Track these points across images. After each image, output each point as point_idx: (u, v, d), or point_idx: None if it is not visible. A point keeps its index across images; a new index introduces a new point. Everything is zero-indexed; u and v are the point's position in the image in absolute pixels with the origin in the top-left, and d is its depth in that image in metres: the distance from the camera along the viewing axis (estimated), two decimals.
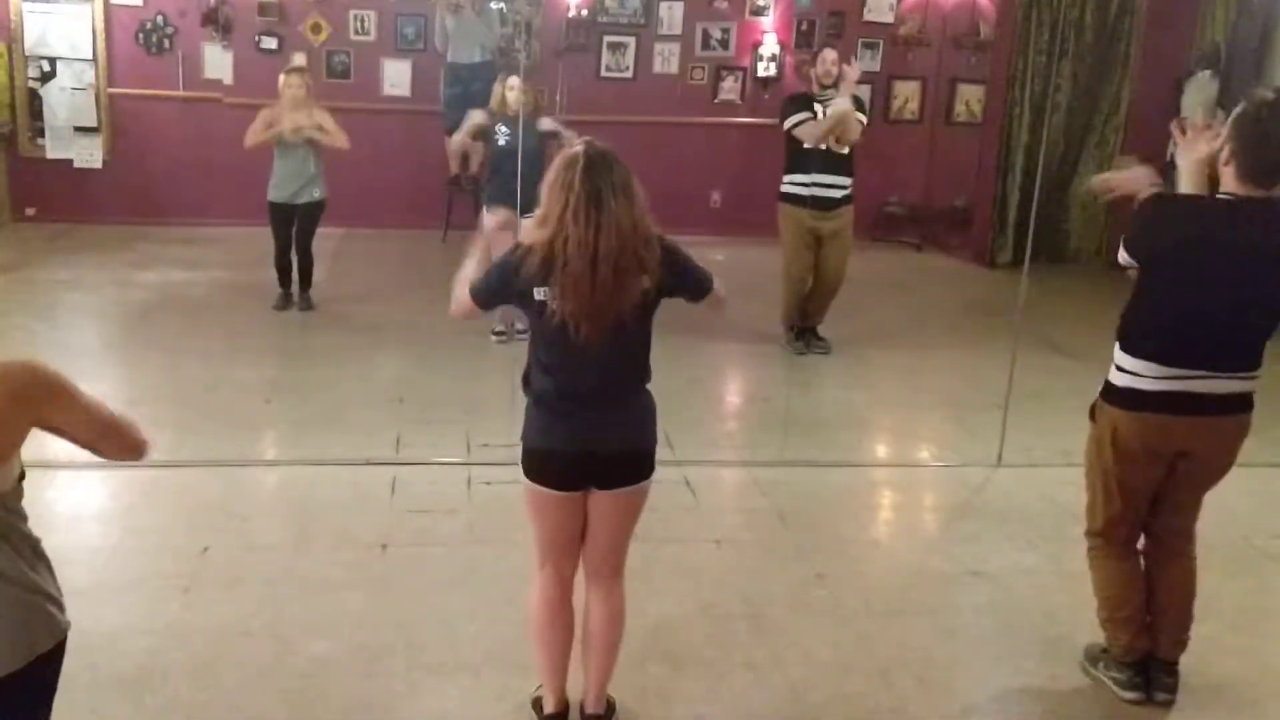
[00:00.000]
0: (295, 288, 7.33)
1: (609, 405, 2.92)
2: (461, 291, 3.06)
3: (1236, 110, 3.10)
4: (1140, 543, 3.48)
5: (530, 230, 2.93)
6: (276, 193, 7.16)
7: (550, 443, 2.93)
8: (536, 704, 3.20)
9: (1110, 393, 3.32)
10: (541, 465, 2.94)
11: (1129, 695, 3.41)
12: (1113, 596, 3.45)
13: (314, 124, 7.03)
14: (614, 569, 3.09)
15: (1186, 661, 3.46)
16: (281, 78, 7.15)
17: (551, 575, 3.08)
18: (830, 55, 6.83)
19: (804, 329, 7.01)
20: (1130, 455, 3.29)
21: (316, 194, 7.19)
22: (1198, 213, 3.14)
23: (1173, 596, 3.43)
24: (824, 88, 6.72)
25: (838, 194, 6.73)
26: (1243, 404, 3.22)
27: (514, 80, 6.56)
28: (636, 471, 2.98)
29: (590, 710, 3.14)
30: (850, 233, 6.97)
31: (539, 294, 2.81)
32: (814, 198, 6.72)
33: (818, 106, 6.66)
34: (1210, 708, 3.43)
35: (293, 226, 7.21)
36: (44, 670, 2.07)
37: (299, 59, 9.42)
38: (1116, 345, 3.30)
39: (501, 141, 6.46)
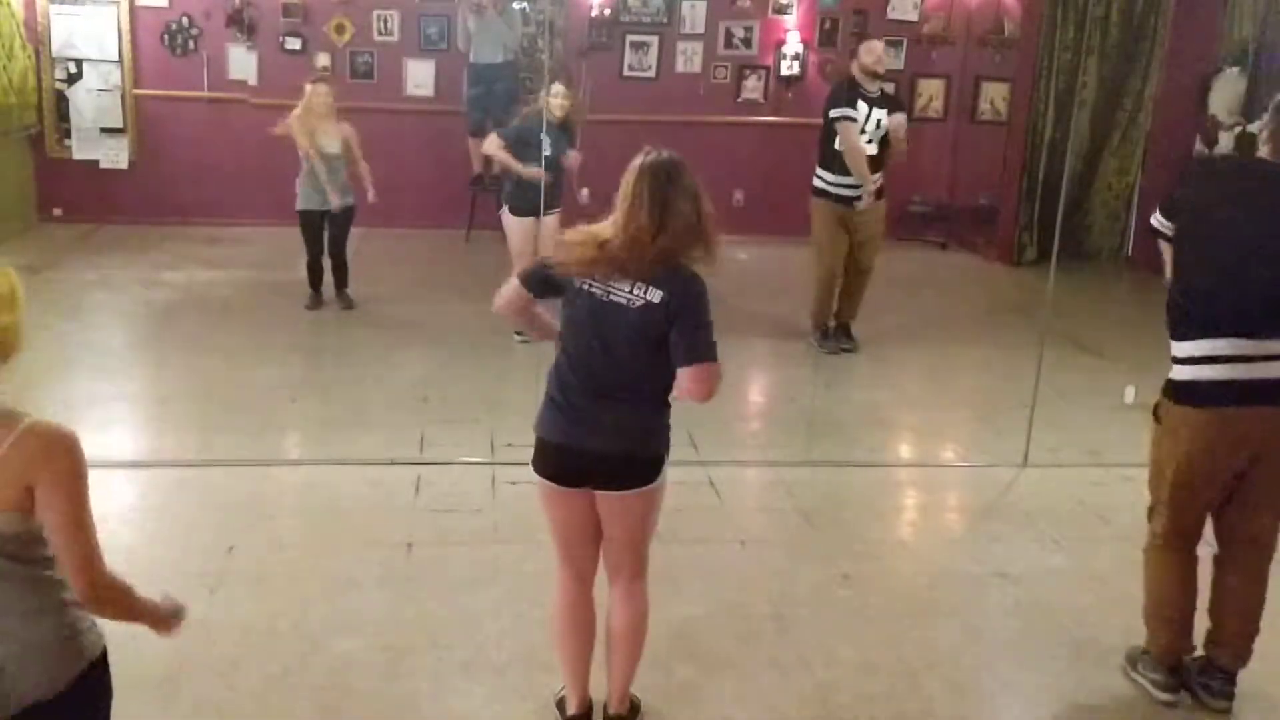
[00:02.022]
0: (331, 290, 7.40)
1: (608, 406, 2.90)
2: (510, 283, 3.04)
3: (1277, 98, 3.19)
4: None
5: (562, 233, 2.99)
6: (306, 201, 7.21)
7: (548, 434, 2.96)
8: (560, 704, 3.21)
9: (1171, 389, 3.23)
10: (541, 456, 2.99)
11: (1164, 697, 3.37)
12: (1161, 595, 3.37)
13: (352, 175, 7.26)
14: (633, 570, 3.08)
15: (1249, 676, 3.39)
16: (309, 87, 7.19)
17: (570, 574, 3.10)
18: (878, 45, 6.77)
19: (837, 326, 6.98)
20: (1195, 454, 3.18)
21: (348, 199, 7.24)
22: (1240, 170, 3.27)
23: (1236, 605, 3.32)
24: (874, 77, 6.61)
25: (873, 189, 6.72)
26: None
27: (558, 88, 6.49)
28: (632, 476, 2.93)
29: (613, 711, 3.16)
30: (882, 226, 6.98)
31: (579, 283, 2.87)
32: (846, 198, 6.69)
33: (863, 106, 6.57)
34: None
35: (323, 227, 7.25)
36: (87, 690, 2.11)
37: (323, 59, 9.47)
38: (1169, 337, 3.23)
39: (547, 152, 6.28)
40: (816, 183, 6.79)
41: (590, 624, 3.12)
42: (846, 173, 6.62)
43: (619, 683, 3.13)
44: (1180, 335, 3.20)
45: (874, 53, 6.67)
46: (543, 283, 2.98)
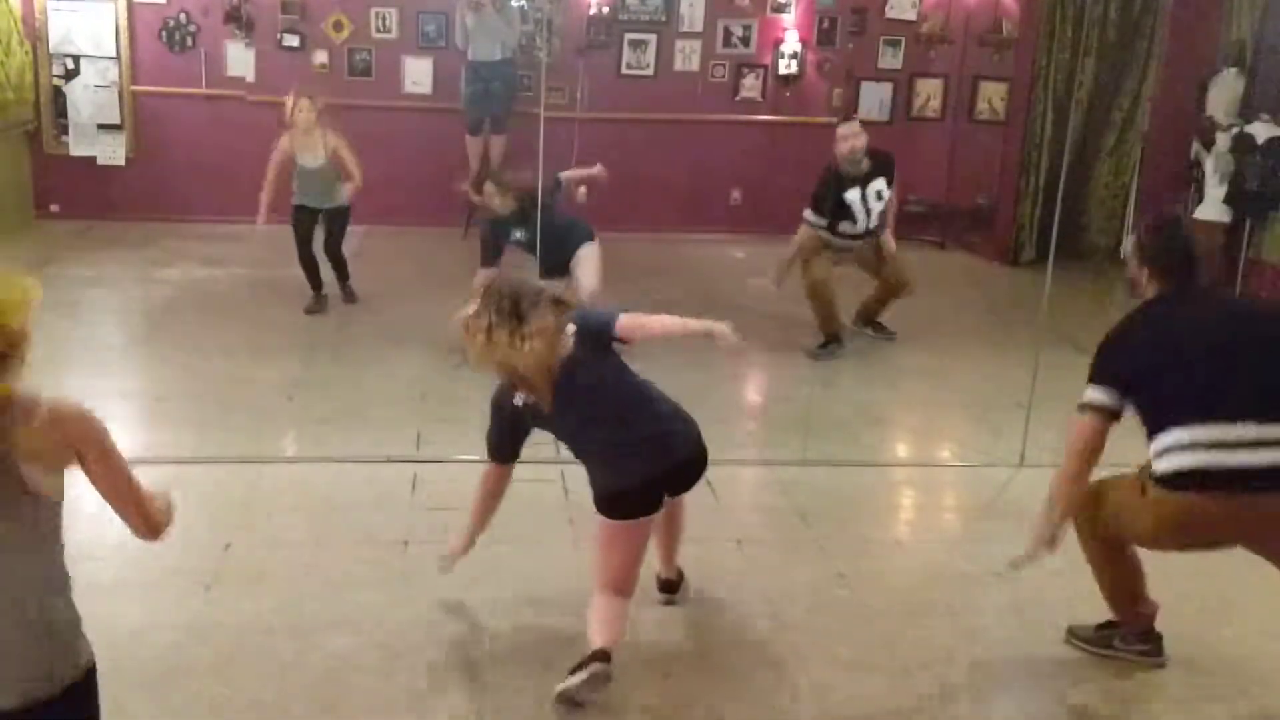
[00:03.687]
0: (334, 286, 7.43)
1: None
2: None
3: (1132, 241, 3.48)
4: None
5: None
6: (302, 197, 7.25)
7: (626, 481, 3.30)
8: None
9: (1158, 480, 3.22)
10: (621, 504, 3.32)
11: (1157, 661, 3.54)
12: (1120, 576, 3.52)
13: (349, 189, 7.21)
14: None
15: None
16: (289, 100, 7.12)
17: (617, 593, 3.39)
18: (854, 128, 6.61)
19: (867, 323, 7.09)
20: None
21: (341, 199, 7.24)
22: (1157, 318, 3.34)
23: None
24: (853, 163, 6.55)
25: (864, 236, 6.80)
26: None
27: (488, 187, 6.49)
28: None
29: (665, 576, 3.77)
30: (889, 240, 6.97)
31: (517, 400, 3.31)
32: (834, 245, 6.75)
33: (853, 193, 6.54)
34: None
35: (314, 224, 7.26)
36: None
37: (320, 56, 9.46)
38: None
39: (520, 236, 6.27)
40: (809, 216, 6.72)
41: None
42: (847, 239, 6.71)
43: (670, 557, 3.76)
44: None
45: (848, 141, 6.51)
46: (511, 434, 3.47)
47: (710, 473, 4.85)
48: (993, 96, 10.31)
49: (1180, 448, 3.11)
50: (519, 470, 4.14)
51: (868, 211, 6.62)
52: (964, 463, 5.36)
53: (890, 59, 10.23)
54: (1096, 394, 3.28)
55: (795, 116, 10.06)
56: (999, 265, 9.51)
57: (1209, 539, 3.24)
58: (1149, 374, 3.20)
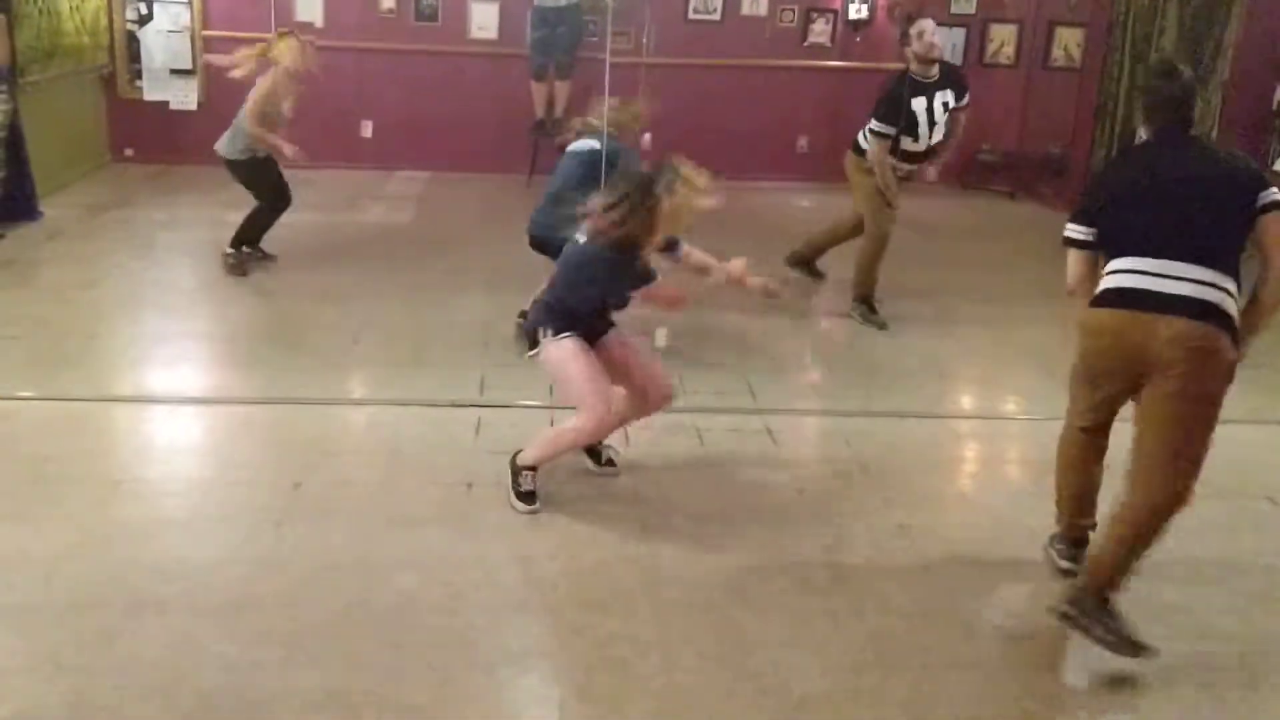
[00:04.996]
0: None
1: None
2: None
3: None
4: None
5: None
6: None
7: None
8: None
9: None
10: None
11: (1063, 565, 3.78)
12: (1061, 475, 3.91)
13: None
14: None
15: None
16: (292, 42, 6.72)
17: None
18: (928, 25, 6.13)
19: (803, 261, 6.92)
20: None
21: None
22: (1134, 158, 3.79)
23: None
24: (928, 63, 6.15)
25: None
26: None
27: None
28: None
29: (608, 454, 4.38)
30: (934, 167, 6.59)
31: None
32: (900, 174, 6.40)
33: (920, 101, 6.14)
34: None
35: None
36: None
37: (388, 1, 9.47)
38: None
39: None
40: (876, 127, 6.26)
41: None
42: (904, 160, 6.32)
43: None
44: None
45: (924, 37, 6.09)
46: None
47: (771, 421, 4.92)
48: (1069, 43, 10.07)
49: (1114, 273, 3.46)
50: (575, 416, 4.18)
51: (931, 124, 6.23)
52: (1029, 415, 5.30)
53: (964, 3, 10.02)
54: (1073, 230, 3.68)
55: (865, 62, 9.89)
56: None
57: (1112, 362, 3.52)
58: (1112, 208, 3.53)
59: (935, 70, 6.22)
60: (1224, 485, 4.46)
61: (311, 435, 4.63)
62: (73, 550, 3.65)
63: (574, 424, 4.01)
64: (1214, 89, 9.33)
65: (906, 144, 6.27)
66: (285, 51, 6.65)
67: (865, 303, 6.51)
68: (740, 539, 3.92)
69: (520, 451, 4.11)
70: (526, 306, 5.01)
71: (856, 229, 6.60)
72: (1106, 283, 3.49)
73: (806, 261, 6.97)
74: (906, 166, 6.41)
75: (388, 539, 3.82)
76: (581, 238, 3.97)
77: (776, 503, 4.23)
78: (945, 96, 6.24)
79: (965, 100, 6.37)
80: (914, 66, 6.21)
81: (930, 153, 6.40)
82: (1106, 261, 3.53)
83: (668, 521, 4.03)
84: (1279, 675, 3.35)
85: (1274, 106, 8.81)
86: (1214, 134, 9.40)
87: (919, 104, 6.18)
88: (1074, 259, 3.70)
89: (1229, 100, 9.30)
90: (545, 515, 4.01)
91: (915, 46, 6.14)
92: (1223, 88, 9.30)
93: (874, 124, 6.26)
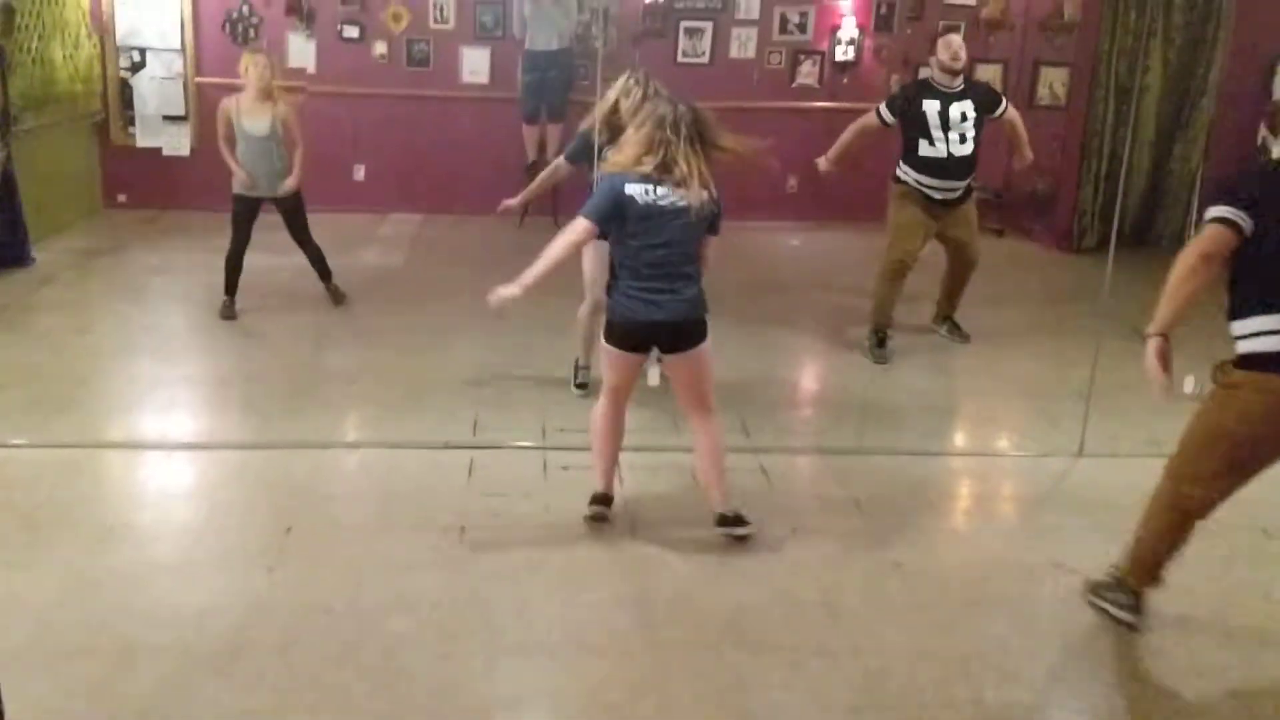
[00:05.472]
0: (323, 290, 7.11)
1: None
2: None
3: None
4: None
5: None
6: (244, 185, 6.76)
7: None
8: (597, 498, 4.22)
9: (1241, 360, 3.34)
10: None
11: (1128, 618, 3.65)
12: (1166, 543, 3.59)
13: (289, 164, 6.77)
14: (706, 406, 4.16)
15: None
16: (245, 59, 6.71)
17: (615, 401, 4.20)
18: (955, 39, 6.33)
19: (944, 319, 6.91)
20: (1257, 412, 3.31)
21: (286, 185, 6.76)
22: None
23: None
24: (951, 74, 6.29)
25: (960, 192, 6.49)
26: None
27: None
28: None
29: (720, 510, 4.14)
30: (975, 216, 6.71)
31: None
32: (937, 200, 6.44)
33: (932, 103, 6.27)
34: None
35: (255, 218, 6.84)
36: None
37: (380, 47, 9.55)
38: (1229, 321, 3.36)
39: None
40: (902, 176, 6.48)
41: (622, 431, 4.26)
42: (928, 172, 6.36)
43: (719, 488, 4.18)
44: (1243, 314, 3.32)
45: (950, 47, 6.29)
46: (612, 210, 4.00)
47: (765, 460, 4.91)
48: (1054, 81, 10.15)
49: (1267, 333, 3.24)
50: (570, 457, 4.17)
51: (946, 129, 6.27)
52: (1022, 453, 5.31)
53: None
54: (1222, 210, 3.29)
55: (853, 103, 9.93)
56: (1058, 252, 9.37)
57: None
58: (1269, 213, 3.24)
59: (959, 82, 6.34)
60: (1218, 518, 4.45)
61: (304, 479, 4.62)
62: (64, 597, 3.63)
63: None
64: (1200, 127, 9.43)
65: (924, 148, 6.33)
66: (244, 72, 6.70)
67: (875, 333, 6.54)
68: (736, 579, 3.91)
69: None
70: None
71: (965, 258, 6.72)
72: (1263, 344, 3.27)
73: (949, 317, 6.96)
74: (935, 185, 6.41)
75: (381, 582, 3.81)
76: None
77: (771, 542, 4.22)
78: (964, 107, 6.32)
79: (1004, 106, 6.54)
80: (936, 74, 6.39)
81: (963, 165, 6.39)
82: (1238, 307, 3.35)
83: (663, 561, 4.03)
84: (1275, 710, 3.34)
85: (1258, 144, 8.89)
86: (1199, 172, 9.49)
87: (931, 106, 6.29)
88: (1212, 233, 3.31)
89: (1214, 138, 9.39)
90: (539, 556, 4.00)
91: (940, 55, 6.32)
92: (1210, 124, 9.40)
93: (878, 107, 6.54)
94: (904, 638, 3.61)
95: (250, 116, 6.70)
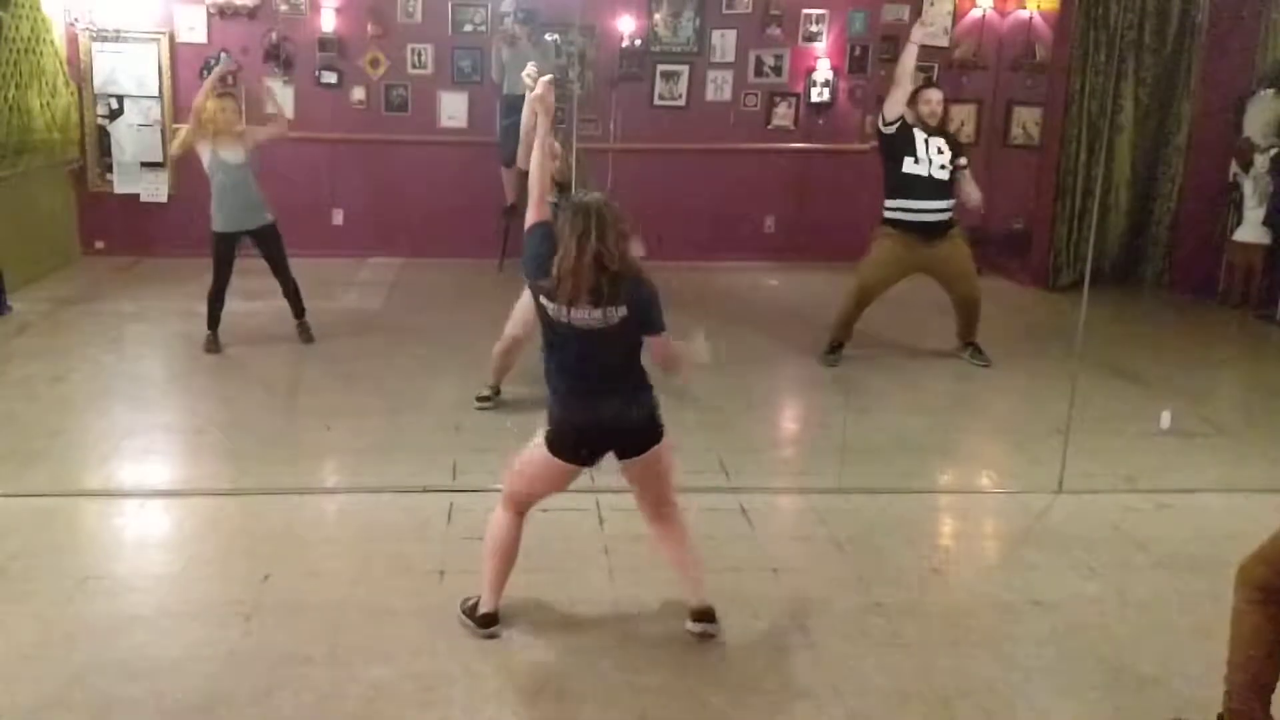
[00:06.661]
0: (295, 325, 7.24)
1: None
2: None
3: None
4: None
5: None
6: (223, 220, 6.94)
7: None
8: (471, 610, 3.79)
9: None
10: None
11: None
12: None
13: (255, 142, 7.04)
14: (667, 504, 3.84)
15: None
16: (210, 104, 6.90)
17: (516, 514, 3.84)
18: (935, 94, 6.92)
19: (965, 345, 7.20)
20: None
21: (268, 216, 6.99)
22: None
23: None
24: (929, 129, 6.81)
25: (944, 217, 6.82)
26: None
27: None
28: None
29: (698, 604, 3.79)
30: (965, 249, 7.07)
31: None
32: (921, 224, 6.77)
33: (919, 133, 6.75)
34: None
35: (235, 253, 6.99)
36: None
37: (358, 93, 9.60)
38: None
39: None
40: (890, 214, 6.84)
41: (517, 548, 3.83)
42: (920, 196, 6.72)
43: (697, 582, 3.83)
44: None
45: (929, 103, 6.82)
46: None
47: (745, 500, 4.90)
48: (1027, 121, 10.28)
49: None
50: (549, 500, 4.14)
51: (929, 153, 6.74)
52: (1001, 490, 5.32)
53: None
54: None
55: (828, 144, 10.08)
56: (1034, 290, 9.45)
57: None
58: None
59: (935, 124, 6.90)
60: (1197, 555, 4.49)
61: (282, 526, 4.58)
62: (37, 650, 3.58)
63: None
64: (1174, 165, 9.52)
65: (908, 165, 6.73)
66: (211, 119, 6.92)
67: (831, 343, 7.07)
68: (717, 621, 3.89)
69: None
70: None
71: (961, 294, 7.12)
72: None
73: (970, 343, 7.24)
74: (920, 207, 6.77)
75: (359, 631, 3.77)
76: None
77: (753, 583, 4.20)
78: (939, 142, 6.81)
79: (963, 161, 6.90)
80: (918, 121, 6.84)
81: (943, 188, 6.79)
82: None
83: (644, 605, 4.00)
84: None
85: (1230, 178, 9.01)
86: (1173, 206, 9.60)
87: (918, 133, 6.78)
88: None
89: (1188, 175, 9.50)
90: (518, 603, 3.98)
91: (920, 109, 6.83)
92: (1184, 162, 9.49)
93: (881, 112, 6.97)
94: (886, 678, 3.59)
95: (225, 147, 6.92)
